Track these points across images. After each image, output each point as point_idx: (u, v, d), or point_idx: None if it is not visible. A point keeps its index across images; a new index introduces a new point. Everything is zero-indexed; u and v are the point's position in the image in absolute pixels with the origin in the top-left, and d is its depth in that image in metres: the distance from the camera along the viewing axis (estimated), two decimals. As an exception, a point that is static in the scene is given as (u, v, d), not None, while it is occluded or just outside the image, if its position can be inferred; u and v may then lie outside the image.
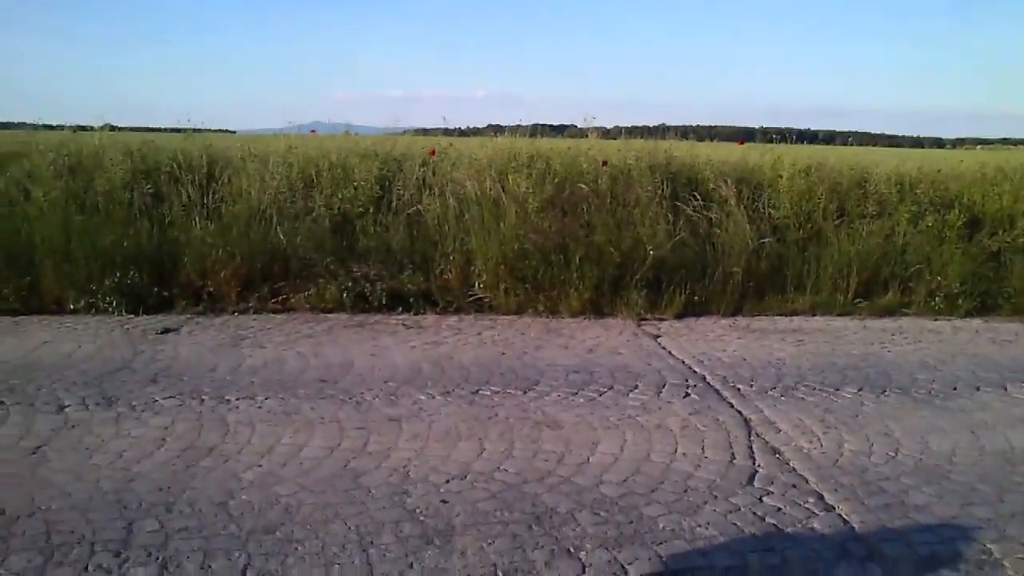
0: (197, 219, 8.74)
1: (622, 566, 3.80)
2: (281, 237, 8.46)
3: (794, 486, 4.65)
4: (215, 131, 12.00)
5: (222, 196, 9.05)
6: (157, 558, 3.81)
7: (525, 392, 6.00)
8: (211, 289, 8.21)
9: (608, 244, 8.46)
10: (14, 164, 9.40)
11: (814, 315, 8.72)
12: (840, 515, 4.32)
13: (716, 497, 4.49)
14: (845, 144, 18.67)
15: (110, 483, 4.52)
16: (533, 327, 7.80)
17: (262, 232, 8.54)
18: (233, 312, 8.03)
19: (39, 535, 3.97)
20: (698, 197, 9.27)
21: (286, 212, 8.81)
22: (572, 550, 3.92)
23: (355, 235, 8.82)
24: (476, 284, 8.35)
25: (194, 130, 11.04)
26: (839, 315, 8.73)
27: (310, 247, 8.48)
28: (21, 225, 8.48)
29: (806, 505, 4.42)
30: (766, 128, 13.61)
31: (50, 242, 8.30)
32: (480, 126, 14.92)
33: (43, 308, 8.08)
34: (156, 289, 8.16)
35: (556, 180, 9.17)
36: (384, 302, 8.12)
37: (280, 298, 8.21)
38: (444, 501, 4.37)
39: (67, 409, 5.54)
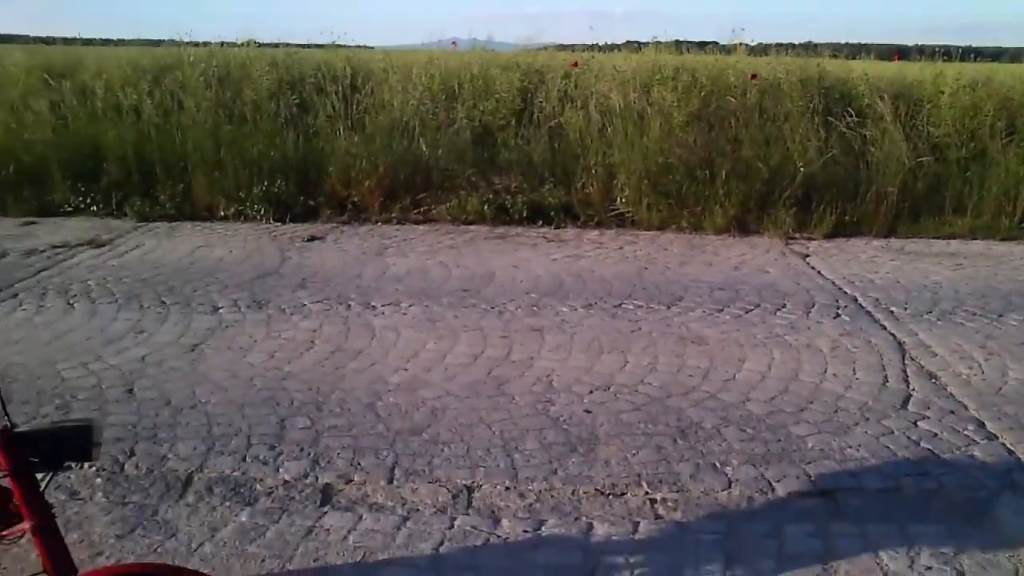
0: (341, 130, 8.84)
1: (769, 483, 3.71)
2: (423, 148, 8.48)
3: (952, 412, 4.43)
4: (353, 47, 12.06)
5: (365, 107, 9.13)
6: (309, 453, 3.91)
7: (669, 307, 5.89)
8: (355, 199, 8.32)
9: (756, 160, 8.18)
10: (168, 76, 9.68)
11: (974, 239, 8.25)
12: (1004, 444, 4.10)
13: (867, 419, 4.33)
14: (1015, 60, 17.44)
15: (263, 381, 4.66)
16: (676, 243, 7.64)
17: (404, 143, 8.58)
18: (376, 222, 8.14)
19: (201, 426, 4.13)
20: (852, 113, 8.85)
21: (428, 124, 8.82)
22: (718, 465, 3.85)
23: (496, 147, 8.78)
24: (618, 198, 8.20)
25: (336, 45, 11.16)
26: (1003, 240, 8.23)
27: (451, 159, 8.49)
28: (175, 134, 8.75)
29: (965, 432, 4.21)
30: (922, 45, 12.75)
31: (201, 151, 8.55)
32: (618, 42, 14.55)
33: (195, 214, 8.37)
34: (302, 198, 8.33)
35: (702, 93, 8.91)
36: (525, 215, 8.08)
37: (422, 209, 8.26)
38: (587, 411, 4.34)
39: (221, 310, 5.73)
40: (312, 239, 7.51)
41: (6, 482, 1.92)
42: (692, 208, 8.07)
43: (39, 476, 1.92)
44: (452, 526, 3.37)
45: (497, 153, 8.72)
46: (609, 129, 8.59)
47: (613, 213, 8.20)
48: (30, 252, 7.08)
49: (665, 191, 8.13)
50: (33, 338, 5.25)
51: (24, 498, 1.85)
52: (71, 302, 5.88)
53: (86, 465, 3.77)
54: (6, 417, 1.97)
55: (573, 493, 3.60)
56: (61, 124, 9.13)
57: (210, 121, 8.82)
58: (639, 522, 3.41)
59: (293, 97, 9.26)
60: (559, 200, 8.17)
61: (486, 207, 8.12)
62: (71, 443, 1.92)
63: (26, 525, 1.87)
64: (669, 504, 3.54)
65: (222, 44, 10.96)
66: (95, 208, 8.45)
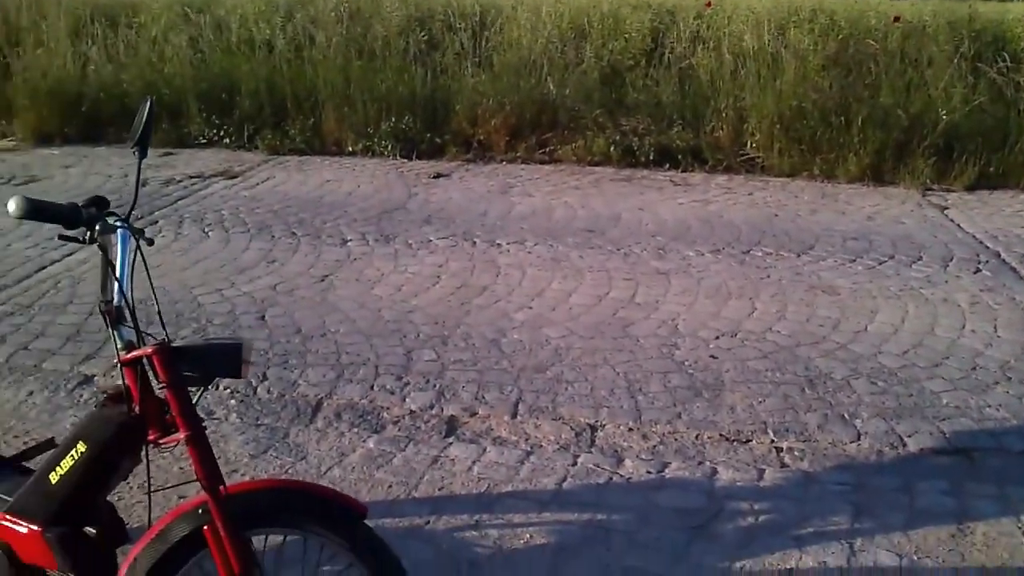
0: (469, 67, 8.82)
1: (900, 437, 3.60)
2: (551, 88, 8.40)
3: (1106, 376, 4.21)
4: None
5: (494, 45, 9.07)
6: (435, 385, 3.97)
7: (799, 255, 5.73)
8: (481, 137, 8.31)
9: (895, 107, 7.83)
10: (300, 11, 9.80)
11: None
12: None
13: (1009, 379, 4.14)
14: None
15: (390, 313, 4.73)
16: (807, 190, 7.40)
17: (532, 82, 8.51)
18: (501, 160, 8.12)
19: (330, 354, 4.23)
20: (1005, 58, 8.36)
21: (556, 63, 8.72)
22: (847, 416, 3.75)
23: (624, 88, 8.63)
24: (748, 143, 7.98)
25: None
26: None
27: (578, 99, 8.38)
28: (307, 69, 8.88)
29: (1119, 397, 3.99)
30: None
31: (332, 86, 8.64)
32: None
33: (324, 149, 8.49)
34: (428, 135, 8.35)
35: (840, 36, 8.55)
36: (651, 157, 7.94)
37: (547, 149, 8.20)
38: (713, 356, 4.28)
39: (349, 243, 5.83)
40: (438, 176, 7.55)
41: (163, 394, 1.99)
42: (825, 155, 7.79)
43: (192, 390, 1.99)
44: (575, 463, 3.38)
45: (625, 94, 8.57)
46: (742, 71, 8.34)
47: (743, 158, 7.99)
48: (168, 181, 7.33)
49: (797, 137, 7.86)
50: (171, 263, 5.45)
51: (179, 409, 1.93)
52: (206, 230, 6.07)
53: (221, 387, 3.90)
54: (164, 332, 2.04)
55: (697, 437, 3.57)
56: (198, 59, 9.36)
57: (340, 57, 8.91)
58: (764, 470, 3.36)
59: (422, 34, 9.27)
60: (687, 143, 7.99)
61: (612, 148, 8.01)
62: (223, 360, 1.99)
63: (180, 435, 1.94)
64: (795, 453, 3.47)
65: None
66: (228, 140, 8.67)
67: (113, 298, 2.01)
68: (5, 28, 9.86)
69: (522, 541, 2.93)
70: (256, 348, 4.25)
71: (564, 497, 3.17)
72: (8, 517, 2.18)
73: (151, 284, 2.13)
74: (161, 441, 2.03)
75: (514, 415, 3.73)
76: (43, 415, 3.79)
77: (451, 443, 3.52)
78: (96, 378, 4.10)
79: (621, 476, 3.30)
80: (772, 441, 3.56)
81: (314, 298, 4.94)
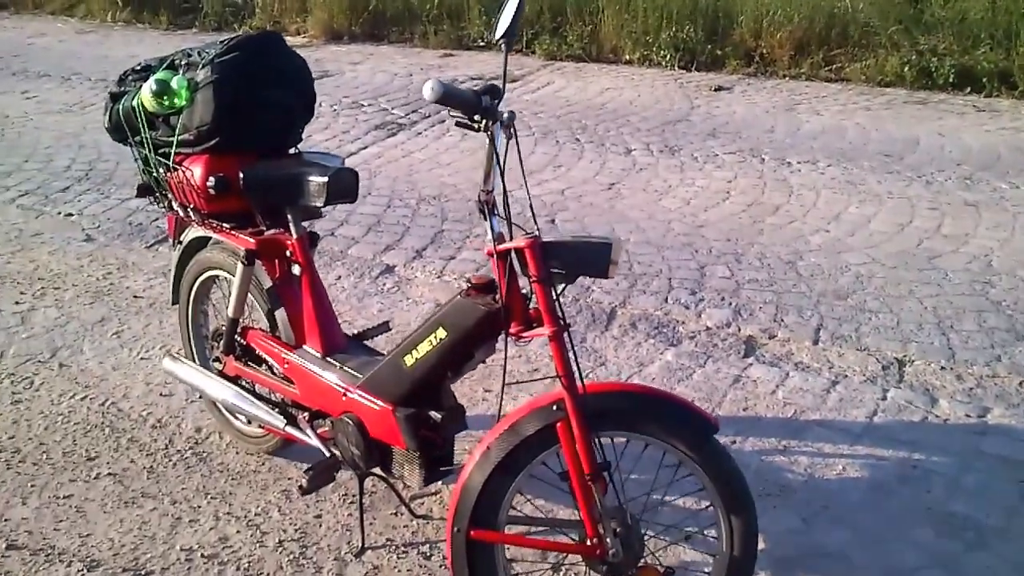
0: (756, -24, 8.42)
1: None
2: (845, 0, 7.90)
3: None
4: None
5: (783, -47, 8.60)
6: (731, 303, 3.87)
7: None
8: (763, 51, 7.95)
9: None
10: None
11: None
12: None
13: None
14: None
15: (680, 226, 4.65)
16: None
17: (823, -7, 8.04)
18: (784, 76, 7.74)
19: (622, 263, 4.21)
20: None
21: (852, -27, 8.18)
22: None
23: (924, 3, 7.99)
24: (1070, 67, 7.22)
25: None
26: None
27: (872, 13, 7.85)
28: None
29: None
30: None
31: (613, -8, 8.50)
32: None
33: (601, 56, 8.39)
34: (709, 47, 8.08)
35: None
36: (951, 80, 7.33)
37: (834, 67, 7.75)
38: (1034, 299, 3.94)
39: (634, 152, 5.76)
40: (719, 89, 7.29)
41: (527, 288, 2.01)
42: None
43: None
44: (885, 397, 3.21)
45: (925, 9, 7.93)
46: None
47: (1061, 84, 7.24)
48: (451, 82, 7.46)
49: None
50: (462, 162, 5.58)
51: (546, 305, 1.93)
52: (491, 132, 6.15)
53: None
54: (535, 227, 2.05)
55: (1021, 384, 3.30)
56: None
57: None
58: (1107, 430, 3.06)
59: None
60: (995, 65, 7.31)
61: (906, 69, 7.45)
62: (591, 258, 1.96)
63: (546, 331, 1.94)
64: None
65: None
66: (506, 44, 8.72)
67: (492, 188, 2.04)
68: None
69: (834, 472, 2.82)
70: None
71: (876, 431, 3.03)
72: (361, 392, 2.29)
73: (524, 178, 2.14)
74: (524, 335, 2.04)
75: (815, 341, 3.58)
76: (352, 299, 4.00)
77: (751, 364, 3.43)
78: (396, 268, 4.27)
79: (936, 416, 3.11)
80: (1111, 399, 3.24)
81: (602, 205, 4.92)
